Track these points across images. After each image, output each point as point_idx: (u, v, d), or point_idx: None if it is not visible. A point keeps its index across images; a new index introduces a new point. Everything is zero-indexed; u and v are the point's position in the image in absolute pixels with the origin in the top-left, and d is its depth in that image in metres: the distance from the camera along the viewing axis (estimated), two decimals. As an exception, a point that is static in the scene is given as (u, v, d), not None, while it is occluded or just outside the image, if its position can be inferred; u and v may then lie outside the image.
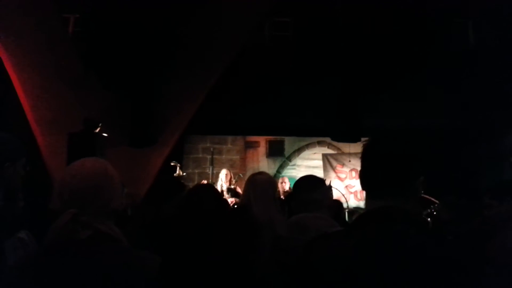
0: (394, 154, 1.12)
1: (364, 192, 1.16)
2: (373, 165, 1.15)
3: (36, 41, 6.56)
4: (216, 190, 2.56)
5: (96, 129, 6.10)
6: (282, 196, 6.19)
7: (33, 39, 6.53)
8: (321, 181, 2.16)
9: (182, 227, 1.85)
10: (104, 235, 1.28)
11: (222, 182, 7.01)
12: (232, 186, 7.03)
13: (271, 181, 2.66)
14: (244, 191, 2.67)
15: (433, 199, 3.72)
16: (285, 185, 7.46)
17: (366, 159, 1.18)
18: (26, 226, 1.49)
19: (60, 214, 1.25)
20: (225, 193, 6.83)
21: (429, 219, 3.29)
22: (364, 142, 1.21)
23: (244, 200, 2.60)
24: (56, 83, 6.78)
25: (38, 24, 6.49)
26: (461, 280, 0.92)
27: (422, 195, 1.14)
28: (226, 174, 7.07)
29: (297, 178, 2.33)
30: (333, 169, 9.11)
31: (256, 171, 9.07)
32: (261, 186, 2.54)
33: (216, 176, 7.47)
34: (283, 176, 8.49)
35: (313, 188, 2.05)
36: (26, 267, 1.25)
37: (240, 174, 7.63)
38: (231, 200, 6.59)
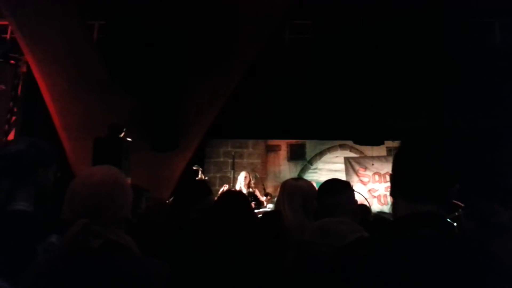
0: (433, 158, 1.08)
1: (387, 196, 1.14)
2: (410, 168, 1.10)
3: (62, 48, 6.74)
4: (246, 197, 2.57)
5: (121, 134, 6.21)
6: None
7: (59, 45, 6.71)
8: (346, 185, 2.14)
9: (211, 231, 1.86)
10: (115, 243, 1.28)
11: (241, 185, 6.89)
12: (251, 190, 6.91)
13: (301, 186, 2.63)
14: (278, 196, 2.68)
15: (459, 202, 3.65)
16: None
17: (402, 161, 1.13)
18: (56, 231, 1.52)
19: (71, 224, 1.26)
20: None
21: (455, 223, 3.23)
22: (393, 145, 1.18)
23: (277, 205, 2.61)
24: (81, 89, 6.94)
25: (63, 31, 6.68)
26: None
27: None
28: (245, 177, 6.93)
29: (319, 182, 2.32)
30: (356, 172, 9.01)
31: (278, 175, 9.19)
32: (288, 191, 2.54)
33: (235, 181, 7.43)
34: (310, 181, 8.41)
35: (338, 192, 2.04)
36: (39, 277, 1.25)
37: (257, 174, 7.52)
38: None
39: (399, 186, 1.12)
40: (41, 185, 1.69)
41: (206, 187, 2.51)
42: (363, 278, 0.97)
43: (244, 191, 6.80)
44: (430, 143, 1.11)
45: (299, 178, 2.95)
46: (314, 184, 8.25)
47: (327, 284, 1.07)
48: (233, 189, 6.57)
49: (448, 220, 1.06)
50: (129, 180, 5.74)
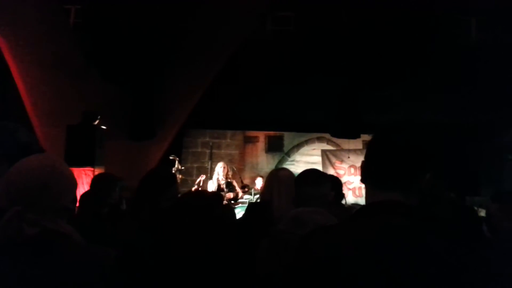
0: (405, 146, 1.10)
1: (362, 189, 1.16)
2: (381, 157, 1.12)
3: (36, 32, 6.52)
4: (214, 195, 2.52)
5: (95, 121, 6.09)
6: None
7: (33, 30, 6.50)
8: (326, 176, 2.13)
9: (182, 219, 1.84)
10: (53, 232, 1.25)
11: (219, 176, 6.74)
12: (229, 180, 6.81)
13: (294, 178, 2.64)
14: (266, 186, 2.62)
15: None
16: None
17: (374, 150, 1.15)
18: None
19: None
20: (223, 187, 6.64)
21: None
22: (369, 139, 1.19)
23: (266, 196, 2.56)
24: (55, 74, 6.76)
25: (38, 15, 6.46)
26: (465, 278, 0.92)
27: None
28: (224, 168, 6.78)
29: (296, 173, 2.31)
30: (332, 165, 9.11)
31: (255, 166, 9.19)
32: (285, 182, 2.51)
33: (213, 171, 7.36)
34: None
35: (317, 183, 2.04)
36: None
37: (234, 167, 7.51)
38: (228, 195, 6.55)
39: (370, 173, 1.14)
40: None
41: (172, 177, 2.46)
42: (332, 260, 0.98)
43: (222, 181, 6.72)
44: (402, 133, 1.13)
45: (285, 168, 2.91)
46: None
47: (294, 268, 1.08)
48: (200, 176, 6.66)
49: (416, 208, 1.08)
50: (102, 169, 5.61)
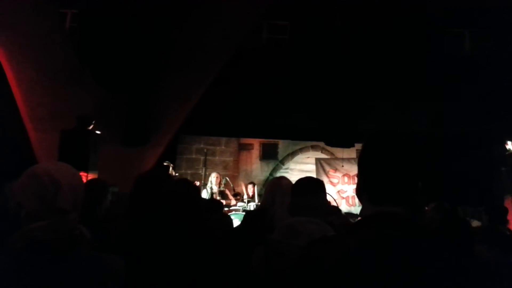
0: (404, 159, 1.08)
1: (356, 198, 1.14)
2: (381, 170, 1.09)
3: (32, 35, 6.51)
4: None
5: (89, 126, 6.06)
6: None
7: (29, 33, 6.48)
8: (321, 185, 2.11)
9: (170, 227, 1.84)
10: (80, 236, 1.27)
11: (212, 184, 7.20)
12: (222, 189, 7.28)
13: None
14: (268, 194, 2.58)
15: None
16: None
17: (371, 163, 1.13)
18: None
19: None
20: (216, 195, 7.03)
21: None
22: (359, 148, 1.17)
23: (267, 204, 2.54)
24: (50, 78, 6.74)
25: (34, 18, 6.45)
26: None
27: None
28: (216, 177, 7.27)
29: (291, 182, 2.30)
30: (326, 173, 9.13)
31: (249, 173, 9.18)
32: (287, 191, 2.50)
33: (207, 178, 7.55)
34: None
35: (313, 192, 2.01)
36: None
37: (227, 178, 7.68)
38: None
39: (368, 187, 1.11)
40: None
41: (165, 177, 2.45)
42: (333, 270, 0.98)
43: (216, 189, 7.12)
44: (396, 143, 1.12)
45: (285, 177, 2.89)
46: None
47: (294, 278, 1.07)
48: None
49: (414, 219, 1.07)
50: (95, 174, 5.56)
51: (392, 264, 0.95)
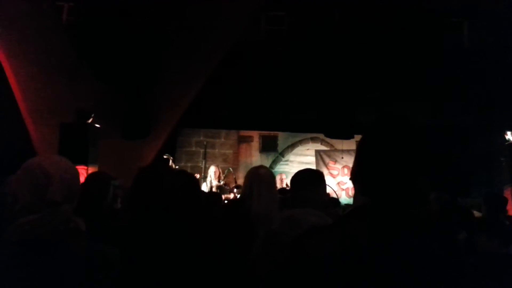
0: (403, 150, 1.05)
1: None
2: (372, 160, 1.07)
3: (29, 29, 6.47)
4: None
5: (89, 120, 6.05)
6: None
7: (26, 27, 6.44)
8: (321, 176, 2.10)
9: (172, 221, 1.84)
10: (76, 229, 1.29)
11: (211, 178, 7.07)
12: (221, 183, 7.12)
13: (274, 176, 2.61)
14: (246, 184, 2.56)
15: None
16: (284, 181, 7.58)
17: (370, 152, 1.10)
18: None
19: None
20: (214, 189, 6.91)
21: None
22: (358, 139, 1.15)
23: (246, 194, 2.52)
24: (48, 72, 6.71)
25: (31, 12, 6.41)
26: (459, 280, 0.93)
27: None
28: (215, 171, 7.13)
29: (290, 173, 2.30)
30: (326, 165, 9.13)
31: (249, 166, 9.15)
32: (266, 180, 2.47)
33: (207, 171, 7.51)
34: (281, 173, 8.54)
35: (314, 185, 2.01)
36: None
37: (230, 168, 7.61)
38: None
39: (363, 177, 1.09)
40: None
41: (168, 171, 2.46)
42: (325, 260, 0.98)
43: (214, 183, 7.00)
44: (397, 133, 1.09)
45: (264, 166, 2.85)
46: (284, 176, 8.44)
47: (287, 269, 1.07)
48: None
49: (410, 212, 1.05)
50: (95, 168, 5.57)
51: (376, 257, 0.95)
